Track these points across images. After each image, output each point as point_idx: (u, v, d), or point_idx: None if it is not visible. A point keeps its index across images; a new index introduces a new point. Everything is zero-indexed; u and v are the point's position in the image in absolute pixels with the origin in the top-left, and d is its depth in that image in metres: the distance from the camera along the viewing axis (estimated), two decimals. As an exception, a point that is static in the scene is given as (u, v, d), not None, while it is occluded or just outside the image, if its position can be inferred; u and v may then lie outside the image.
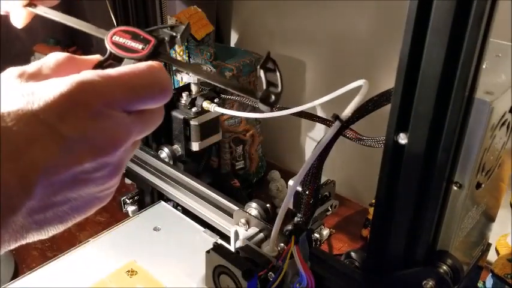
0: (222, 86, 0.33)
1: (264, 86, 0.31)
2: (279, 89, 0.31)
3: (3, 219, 0.24)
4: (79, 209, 0.30)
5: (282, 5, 1.09)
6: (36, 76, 0.29)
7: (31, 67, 0.30)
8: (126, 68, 0.30)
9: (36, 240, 0.29)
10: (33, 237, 0.28)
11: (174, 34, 0.34)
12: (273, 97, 0.30)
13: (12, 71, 0.29)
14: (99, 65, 0.32)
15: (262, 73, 0.31)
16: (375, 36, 0.96)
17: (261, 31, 1.17)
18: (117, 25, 0.77)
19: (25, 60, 1.15)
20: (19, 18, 0.38)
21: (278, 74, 0.31)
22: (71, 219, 0.30)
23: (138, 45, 0.32)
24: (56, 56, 0.31)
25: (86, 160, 0.27)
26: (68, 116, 0.26)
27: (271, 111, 0.30)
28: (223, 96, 0.85)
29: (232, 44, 1.26)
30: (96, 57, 0.33)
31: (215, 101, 0.81)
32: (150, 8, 0.77)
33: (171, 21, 0.93)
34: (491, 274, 0.74)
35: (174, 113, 0.83)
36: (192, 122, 0.81)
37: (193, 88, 0.82)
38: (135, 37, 0.32)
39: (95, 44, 1.21)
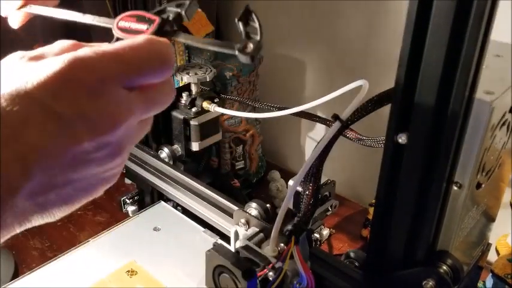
0: (201, 47, 0.33)
1: (243, 37, 0.30)
2: (258, 37, 0.30)
3: (2, 203, 0.24)
4: (84, 190, 0.29)
5: (281, 4, 1.09)
6: (38, 59, 0.28)
7: (34, 51, 0.29)
8: (123, 42, 0.29)
9: (43, 223, 0.28)
10: (39, 220, 0.28)
11: (179, 10, 0.33)
12: (251, 46, 0.29)
13: (15, 54, 0.29)
14: None
15: (240, 25, 0.30)
16: (375, 36, 0.96)
17: (261, 31, 1.17)
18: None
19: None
20: (16, 20, 0.38)
21: (257, 24, 0.30)
22: (77, 200, 0.29)
23: (143, 26, 0.32)
24: (61, 43, 0.31)
25: (83, 139, 0.26)
26: (62, 93, 0.26)
27: (252, 61, 0.30)
28: (223, 96, 0.85)
29: (232, 44, 1.26)
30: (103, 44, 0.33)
31: (215, 101, 0.81)
32: (150, 9, 0.77)
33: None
34: (491, 274, 0.74)
35: (174, 113, 0.83)
36: (192, 122, 0.81)
37: (193, 88, 0.82)
38: (140, 19, 0.32)
39: (95, 42, 1.21)
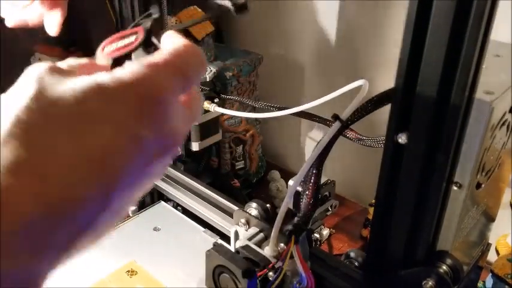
0: (202, 20, 0.35)
1: None
2: None
3: (71, 242, 0.22)
4: (134, 202, 0.28)
5: (281, 5, 1.09)
6: (70, 73, 0.26)
7: (60, 64, 0.27)
8: (167, 52, 0.27)
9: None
10: (85, 247, 0.26)
11: (153, 16, 0.33)
12: None
13: (42, 66, 0.25)
14: None
15: None
16: (374, 36, 0.96)
17: (261, 31, 1.17)
18: (117, 24, 0.77)
19: (25, 60, 1.15)
20: (53, 27, 0.40)
21: None
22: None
23: (131, 38, 0.31)
24: (76, 60, 0.29)
25: (155, 159, 0.25)
26: (141, 113, 0.24)
27: (246, 12, 0.32)
28: (223, 96, 0.85)
29: (232, 44, 1.26)
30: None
31: (215, 101, 0.81)
32: (150, 4, 0.77)
33: (170, 21, 0.93)
34: (491, 274, 0.74)
35: (174, 113, 0.82)
36: (192, 122, 0.81)
37: (193, 88, 0.82)
38: (122, 37, 0.32)
39: (95, 42, 1.21)
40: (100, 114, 0.23)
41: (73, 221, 0.22)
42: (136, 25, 0.33)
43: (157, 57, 0.27)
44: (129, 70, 0.25)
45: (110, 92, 0.24)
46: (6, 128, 0.21)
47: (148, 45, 0.31)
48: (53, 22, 0.42)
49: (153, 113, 0.24)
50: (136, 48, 0.31)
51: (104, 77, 0.24)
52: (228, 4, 0.32)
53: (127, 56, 0.31)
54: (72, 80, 0.24)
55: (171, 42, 0.29)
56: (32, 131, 0.21)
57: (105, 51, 0.31)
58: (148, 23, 0.33)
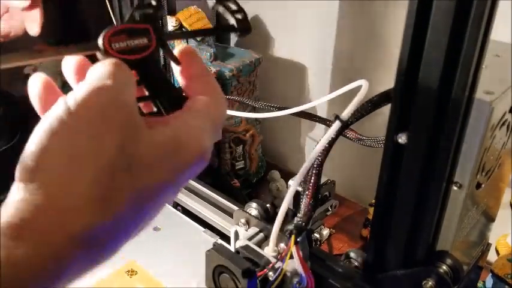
0: (205, 35, 0.36)
1: (231, 17, 0.33)
2: (242, 14, 0.33)
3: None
4: None
5: (281, 5, 1.09)
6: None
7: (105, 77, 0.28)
8: (204, 104, 0.30)
9: None
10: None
11: (152, 2, 0.32)
12: (240, 17, 0.33)
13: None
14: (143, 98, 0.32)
15: (221, 8, 0.34)
16: (374, 36, 0.96)
17: (261, 31, 1.17)
18: (117, 24, 0.77)
19: (25, 60, 1.15)
20: (34, 28, 0.42)
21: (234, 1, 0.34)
22: None
23: (142, 40, 0.30)
24: (99, 68, 0.29)
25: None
26: (193, 174, 0.29)
27: (249, 33, 0.33)
28: (223, 96, 0.85)
29: (232, 44, 1.26)
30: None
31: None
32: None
33: (170, 20, 0.93)
34: (491, 274, 0.74)
35: (174, 113, 0.82)
36: (192, 122, 0.81)
37: (193, 88, 0.82)
38: (130, 33, 0.30)
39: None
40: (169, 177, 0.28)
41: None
42: (136, 8, 0.32)
43: (200, 105, 0.30)
44: (184, 133, 0.28)
45: (174, 161, 0.28)
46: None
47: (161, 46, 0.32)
48: (33, 23, 0.47)
49: (198, 171, 0.29)
50: (150, 56, 0.31)
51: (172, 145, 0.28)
52: (235, 25, 0.33)
53: (141, 60, 0.30)
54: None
55: (201, 85, 0.32)
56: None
57: (114, 46, 0.30)
58: (150, 12, 0.32)
